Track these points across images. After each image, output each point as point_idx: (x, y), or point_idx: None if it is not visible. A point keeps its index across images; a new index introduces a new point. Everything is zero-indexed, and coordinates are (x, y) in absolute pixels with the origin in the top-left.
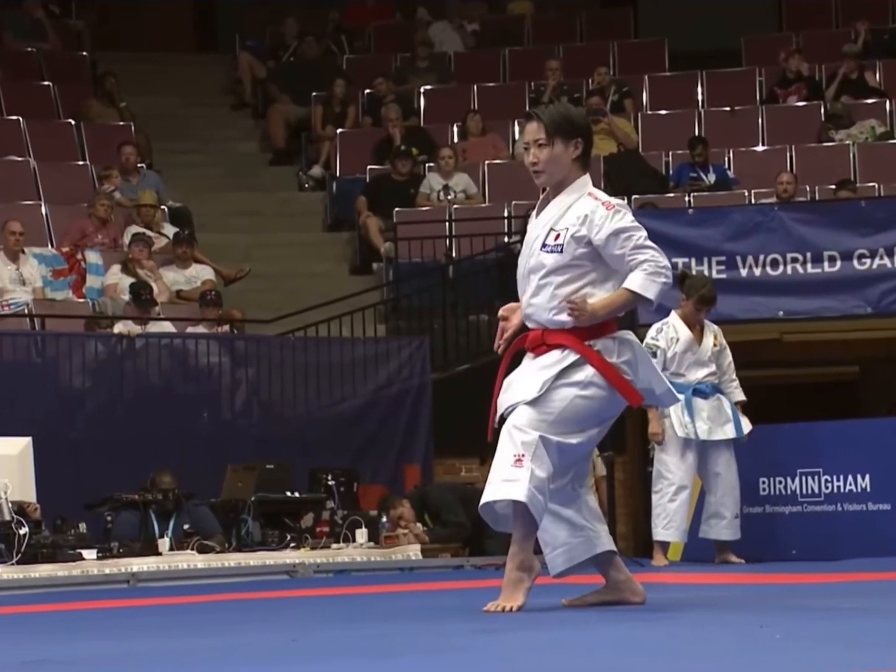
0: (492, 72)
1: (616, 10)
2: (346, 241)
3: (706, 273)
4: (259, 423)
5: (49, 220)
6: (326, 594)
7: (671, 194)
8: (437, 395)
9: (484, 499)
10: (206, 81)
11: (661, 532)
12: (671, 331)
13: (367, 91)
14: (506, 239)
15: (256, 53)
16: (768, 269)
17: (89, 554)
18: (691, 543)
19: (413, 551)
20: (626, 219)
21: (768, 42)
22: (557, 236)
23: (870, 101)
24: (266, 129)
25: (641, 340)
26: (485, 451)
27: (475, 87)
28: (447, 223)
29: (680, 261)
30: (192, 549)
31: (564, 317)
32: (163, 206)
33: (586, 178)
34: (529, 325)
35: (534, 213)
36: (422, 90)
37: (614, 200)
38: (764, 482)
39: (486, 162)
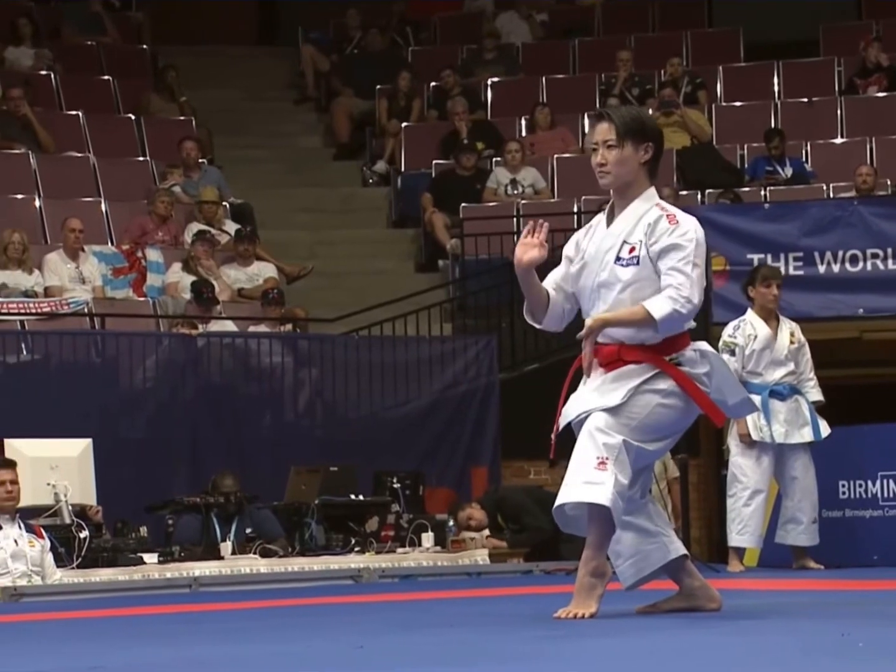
0: (561, 63)
1: None
2: (411, 237)
3: (783, 270)
4: (323, 424)
5: (109, 218)
6: (392, 600)
7: (746, 188)
8: (504, 396)
9: (561, 500)
10: (267, 75)
11: (736, 537)
12: (748, 328)
13: (433, 84)
14: None
15: (319, 46)
16: (847, 265)
17: (150, 558)
18: (768, 549)
19: (481, 556)
20: (686, 236)
21: (847, 31)
22: (632, 249)
23: None
24: (329, 124)
25: (716, 339)
26: (555, 457)
27: (543, 79)
28: (514, 219)
29: (756, 257)
30: (255, 554)
31: (645, 333)
32: (224, 203)
33: (653, 191)
34: (600, 339)
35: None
36: (489, 82)
37: (680, 215)
38: (843, 485)
39: (555, 156)
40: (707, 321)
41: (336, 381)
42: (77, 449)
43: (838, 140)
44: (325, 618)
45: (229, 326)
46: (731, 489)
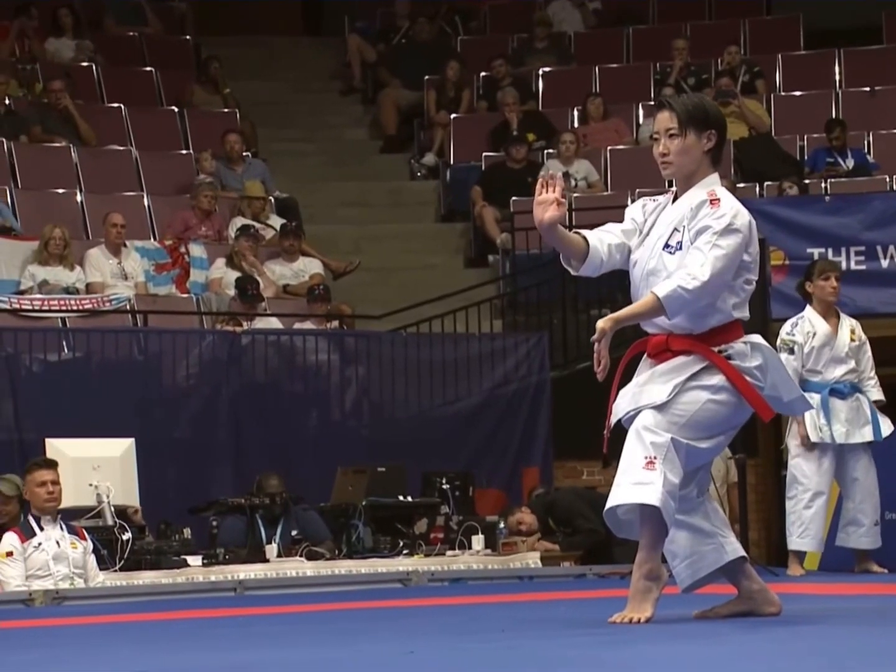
0: (614, 52)
1: None
2: (460, 232)
3: (843, 264)
4: (370, 423)
5: (151, 212)
6: (442, 604)
7: (807, 181)
8: (556, 394)
9: (611, 502)
10: (313, 66)
11: (796, 541)
12: (807, 325)
13: (483, 74)
14: None
15: (366, 36)
16: None
17: (194, 560)
18: (829, 552)
19: (532, 559)
20: (721, 219)
21: None
22: (678, 235)
23: None
24: (376, 116)
25: (774, 335)
26: (607, 454)
27: (596, 68)
28: (567, 213)
29: (816, 251)
30: (301, 556)
31: (692, 321)
32: (269, 197)
33: (716, 177)
34: (650, 329)
35: (658, 208)
36: (540, 72)
37: (725, 199)
38: None
39: (609, 148)
40: (766, 317)
41: (383, 380)
42: (119, 449)
43: None
44: (372, 622)
45: (274, 323)
46: (791, 491)
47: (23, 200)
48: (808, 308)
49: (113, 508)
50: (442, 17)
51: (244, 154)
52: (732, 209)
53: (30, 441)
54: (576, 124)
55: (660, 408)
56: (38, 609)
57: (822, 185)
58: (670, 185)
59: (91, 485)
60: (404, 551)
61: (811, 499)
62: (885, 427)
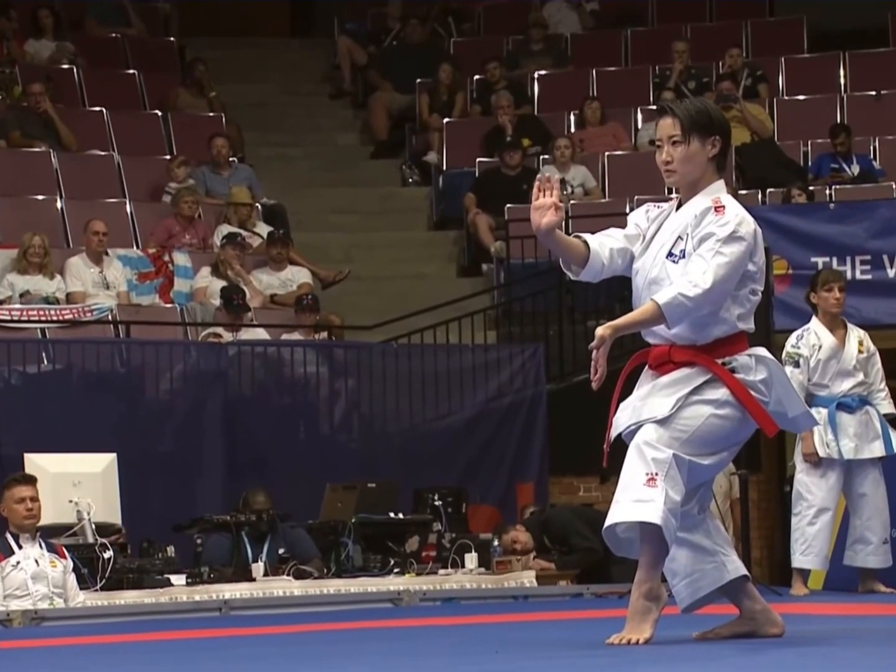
0: (612, 54)
1: None
2: (453, 240)
3: (849, 274)
4: (360, 438)
5: (134, 220)
6: (434, 624)
7: (810, 187)
8: (552, 408)
9: (610, 520)
10: (301, 68)
11: (800, 558)
12: (813, 337)
13: (476, 77)
14: None
15: (356, 37)
16: None
17: (178, 580)
18: (834, 571)
19: (527, 578)
20: (725, 227)
21: None
22: (682, 243)
23: None
24: (367, 120)
25: (777, 347)
26: (605, 470)
27: (594, 71)
28: (563, 220)
29: (820, 260)
30: (288, 575)
31: (694, 331)
32: (256, 204)
33: (721, 184)
34: (652, 340)
35: (662, 215)
36: (535, 75)
37: (730, 206)
38: None
39: (606, 153)
40: (769, 328)
41: (374, 393)
42: (101, 464)
43: None
44: (362, 643)
45: (261, 334)
46: (796, 507)
47: (1, 207)
48: (814, 319)
49: (94, 526)
50: (434, 18)
51: (230, 159)
52: (737, 217)
53: (8, 456)
54: (572, 129)
55: (662, 422)
56: (17, 630)
57: (827, 191)
58: (671, 191)
59: (71, 501)
60: (395, 570)
61: (815, 515)
62: None
